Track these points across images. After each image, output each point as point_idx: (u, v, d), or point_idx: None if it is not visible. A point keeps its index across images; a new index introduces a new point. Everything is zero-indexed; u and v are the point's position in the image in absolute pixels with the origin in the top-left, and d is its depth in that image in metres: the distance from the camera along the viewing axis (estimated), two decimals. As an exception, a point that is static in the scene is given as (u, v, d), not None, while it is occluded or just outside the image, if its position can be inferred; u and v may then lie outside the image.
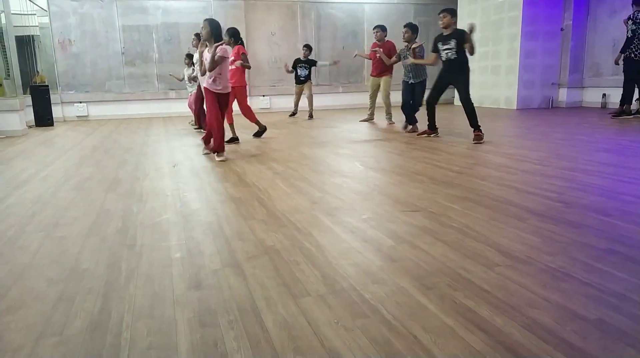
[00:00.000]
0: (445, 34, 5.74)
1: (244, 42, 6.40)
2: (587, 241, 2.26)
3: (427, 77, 6.86)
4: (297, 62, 9.44)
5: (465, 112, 5.69)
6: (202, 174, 4.14)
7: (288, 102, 11.49)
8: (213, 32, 4.79)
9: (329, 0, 11.83)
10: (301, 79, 9.38)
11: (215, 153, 4.84)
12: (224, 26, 11.60)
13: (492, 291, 1.75)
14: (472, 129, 5.66)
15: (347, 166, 4.38)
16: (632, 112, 8.05)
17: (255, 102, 11.49)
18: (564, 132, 6.37)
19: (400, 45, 7.19)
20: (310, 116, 9.40)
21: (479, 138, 5.57)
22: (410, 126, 6.93)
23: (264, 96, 11.71)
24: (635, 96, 8.16)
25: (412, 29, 6.73)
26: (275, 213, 2.87)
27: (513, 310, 1.61)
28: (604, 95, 10.07)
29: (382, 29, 7.77)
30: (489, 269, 1.95)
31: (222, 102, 4.91)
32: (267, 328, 1.55)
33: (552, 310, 1.60)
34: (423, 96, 6.78)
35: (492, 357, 1.35)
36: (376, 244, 2.29)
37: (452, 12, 5.75)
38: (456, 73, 5.79)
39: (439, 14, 5.77)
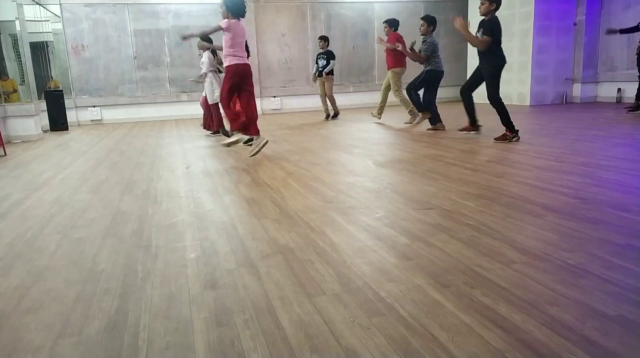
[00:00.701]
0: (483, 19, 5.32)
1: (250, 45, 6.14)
2: (605, 237, 2.22)
3: (433, 68, 6.64)
4: (317, 56, 9.11)
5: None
6: (215, 176, 4.16)
7: (299, 103, 11.52)
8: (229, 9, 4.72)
9: (339, 0, 11.82)
10: (320, 69, 8.95)
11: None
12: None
13: (510, 289, 1.72)
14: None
15: (360, 165, 4.37)
16: None
17: (266, 103, 11.53)
18: (579, 127, 6.28)
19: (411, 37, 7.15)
20: (335, 115, 9.05)
21: (503, 137, 5.31)
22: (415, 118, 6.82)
23: (274, 96, 11.73)
24: None
25: (428, 22, 6.63)
26: (289, 213, 2.87)
27: (532, 307, 1.59)
28: (619, 90, 9.92)
29: (389, 24, 7.64)
30: (506, 266, 1.93)
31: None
32: (283, 327, 1.55)
33: (571, 307, 1.58)
34: (422, 86, 6.71)
35: (511, 355, 1.33)
36: (390, 242, 2.28)
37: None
38: (483, 67, 5.43)
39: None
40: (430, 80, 6.73)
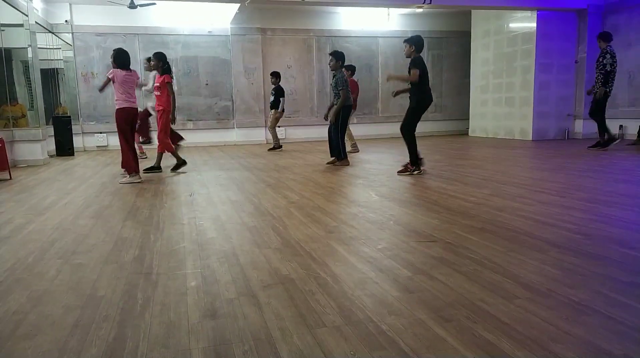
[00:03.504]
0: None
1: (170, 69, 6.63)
2: (609, 273, 2.20)
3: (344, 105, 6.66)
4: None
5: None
6: (218, 203, 4.17)
7: (303, 133, 11.63)
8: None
9: (344, 34, 12.08)
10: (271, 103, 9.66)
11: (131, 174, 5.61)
12: (243, 58, 11.85)
13: (513, 325, 1.70)
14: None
15: (362, 195, 4.37)
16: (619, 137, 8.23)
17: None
18: (582, 163, 6.31)
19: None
20: (274, 148, 9.54)
21: (404, 170, 5.67)
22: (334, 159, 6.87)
23: (279, 126, 11.84)
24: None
25: (336, 57, 6.65)
26: (291, 242, 2.87)
27: (535, 344, 1.56)
28: (621, 126, 9.98)
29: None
30: (509, 302, 1.91)
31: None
32: (282, 359, 1.53)
33: (575, 345, 1.55)
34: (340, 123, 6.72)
35: (514, 393, 1.31)
36: (392, 274, 2.27)
37: (411, 42, 5.67)
38: (410, 101, 5.70)
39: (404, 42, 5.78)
40: (346, 116, 6.77)
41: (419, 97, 5.58)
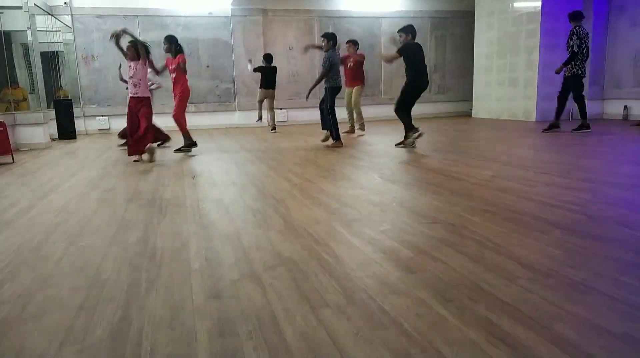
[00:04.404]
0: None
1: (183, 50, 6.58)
2: (612, 254, 2.21)
3: (330, 85, 6.74)
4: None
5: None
6: (221, 186, 4.18)
7: (305, 116, 11.57)
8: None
9: (346, 15, 11.93)
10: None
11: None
12: (244, 40, 11.75)
13: (515, 304, 1.71)
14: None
15: (364, 177, 4.37)
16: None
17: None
18: (585, 144, 6.27)
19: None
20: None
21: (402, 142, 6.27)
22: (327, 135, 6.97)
23: (281, 109, 11.80)
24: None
25: (327, 38, 6.70)
26: (293, 224, 2.88)
27: (536, 323, 1.57)
28: (625, 107, 9.91)
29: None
30: (511, 282, 1.92)
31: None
32: (286, 338, 1.54)
33: (577, 324, 1.56)
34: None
35: (515, 371, 1.32)
36: (395, 255, 2.28)
37: (406, 31, 6.17)
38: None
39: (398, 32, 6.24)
40: (333, 97, 6.79)
41: (408, 79, 6.18)
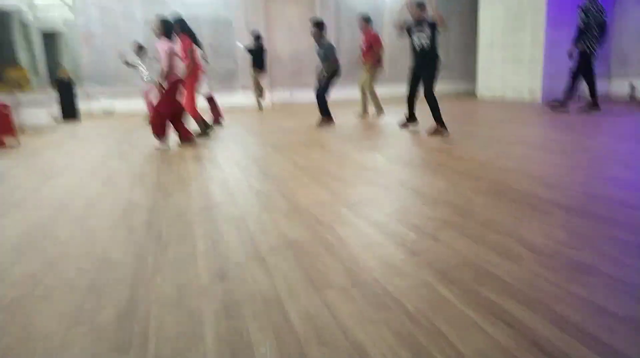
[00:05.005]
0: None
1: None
2: (614, 234, 2.21)
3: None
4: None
5: (429, 107, 5.68)
6: (226, 168, 4.19)
7: (309, 95, 11.50)
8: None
9: (350, -9, 11.75)
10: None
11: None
12: (246, 18, 11.63)
13: (517, 285, 1.73)
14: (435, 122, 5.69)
15: (369, 159, 4.37)
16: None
17: (276, 95, 11.53)
18: (590, 124, 6.23)
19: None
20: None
21: (438, 133, 5.61)
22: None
23: (284, 88, 11.72)
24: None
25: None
26: (298, 207, 2.89)
27: (539, 304, 1.59)
28: (632, 85, 9.79)
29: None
30: (514, 263, 1.93)
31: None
32: (290, 319, 1.57)
33: (578, 305, 1.58)
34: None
35: (517, 352, 1.34)
36: (399, 237, 2.29)
37: (421, 6, 5.63)
38: (425, 66, 5.69)
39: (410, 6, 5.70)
40: (331, 78, 6.82)
41: (438, 60, 5.65)
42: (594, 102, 7.52)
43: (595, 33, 7.27)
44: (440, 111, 5.68)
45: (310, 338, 1.46)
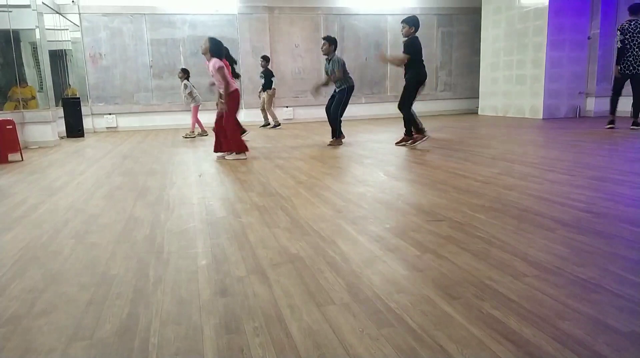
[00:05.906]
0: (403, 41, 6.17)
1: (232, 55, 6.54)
2: (618, 252, 2.20)
3: (350, 84, 6.77)
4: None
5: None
6: (227, 183, 4.20)
7: (311, 114, 11.58)
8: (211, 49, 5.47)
9: (352, 12, 11.91)
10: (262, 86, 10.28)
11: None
12: (250, 38, 11.78)
13: (520, 302, 1.72)
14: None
15: (370, 175, 4.37)
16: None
17: (279, 113, 11.60)
18: (592, 141, 6.23)
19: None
20: (275, 126, 10.32)
21: (404, 140, 6.33)
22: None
23: (287, 107, 11.81)
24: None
25: (329, 41, 6.66)
26: (299, 222, 2.89)
27: (542, 321, 1.58)
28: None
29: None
30: (517, 279, 1.92)
31: None
32: (292, 335, 1.56)
33: (582, 322, 1.56)
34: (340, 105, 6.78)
35: (520, 368, 1.33)
36: (400, 253, 2.28)
37: (410, 22, 5.97)
38: (406, 79, 6.22)
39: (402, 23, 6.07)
40: (348, 97, 6.82)
41: (412, 74, 6.07)
42: (610, 119, 7.66)
43: (628, 53, 7.27)
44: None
45: (311, 354, 1.44)
